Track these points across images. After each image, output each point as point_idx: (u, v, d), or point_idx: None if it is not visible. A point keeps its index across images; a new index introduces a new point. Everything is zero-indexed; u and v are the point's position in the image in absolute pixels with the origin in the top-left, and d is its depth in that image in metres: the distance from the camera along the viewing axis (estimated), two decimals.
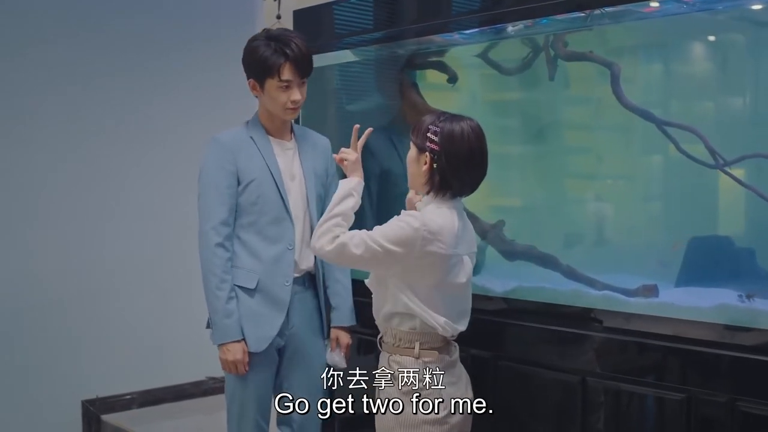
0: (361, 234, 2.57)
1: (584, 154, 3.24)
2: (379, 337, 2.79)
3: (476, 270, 3.39)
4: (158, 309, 5.25)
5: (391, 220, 2.60)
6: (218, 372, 5.37)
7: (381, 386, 2.71)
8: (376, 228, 2.57)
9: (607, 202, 3.20)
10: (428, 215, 2.60)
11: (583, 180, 3.23)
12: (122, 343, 5.13)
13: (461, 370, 2.76)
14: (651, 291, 2.88)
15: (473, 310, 2.77)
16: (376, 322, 2.79)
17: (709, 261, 2.90)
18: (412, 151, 2.70)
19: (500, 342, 3.19)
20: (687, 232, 2.95)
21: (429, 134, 2.63)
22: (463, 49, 3.49)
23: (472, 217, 3.37)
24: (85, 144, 5.01)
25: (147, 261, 5.22)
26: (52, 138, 4.90)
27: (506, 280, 3.25)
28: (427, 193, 2.69)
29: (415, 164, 2.69)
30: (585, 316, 2.97)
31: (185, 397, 5.33)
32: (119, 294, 5.13)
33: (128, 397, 5.16)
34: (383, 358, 2.75)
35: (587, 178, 3.22)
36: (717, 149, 2.78)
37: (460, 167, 2.63)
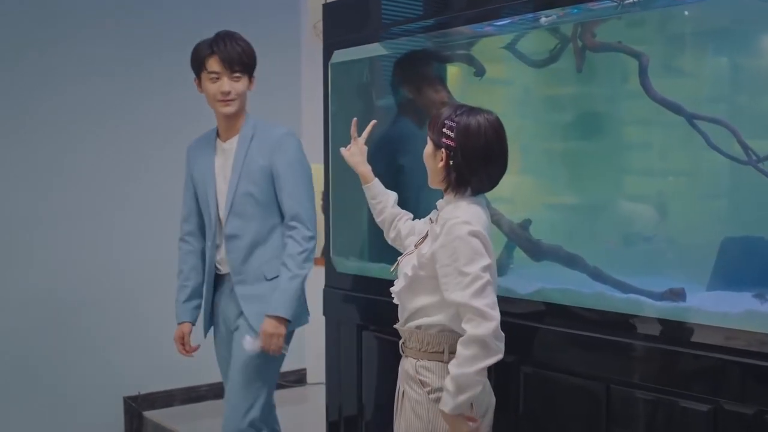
0: (463, 295, 2.43)
1: (612, 150, 3.09)
2: (401, 342, 2.69)
3: (501, 270, 3.29)
4: None
5: (444, 246, 2.48)
6: None
7: (408, 392, 2.62)
8: (453, 266, 2.45)
9: (637, 200, 3.04)
10: (467, 211, 2.52)
11: (610, 177, 3.07)
12: (166, 339, 5.13)
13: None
14: (678, 295, 2.71)
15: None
16: (398, 327, 2.70)
17: (743, 263, 2.71)
18: (429, 147, 2.61)
19: (521, 345, 3.06)
20: (719, 232, 2.78)
21: (444, 129, 2.54)
22: (491, 41, 3.36)
23: (497, 215, 3.26)
24: (117, 140, 5.04)
25: None
26: (84, 136, 4.95)
27: (530, 282, 3.11)
28: (445, 190, 2.60)
29: (432, 160, 2.60)
30: (608, 320, 2.81)
31: None
32: (163, 290, 5.13)
33: (170, 393, 5.17)
34: (408, 363, 2.65)
35: (614, 175, 3.06)
36: (749, 144, 2.61)
37: (476, 163, 2.53)
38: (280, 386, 5.20)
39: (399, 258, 2.77)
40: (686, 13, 2.83)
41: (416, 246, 2.70)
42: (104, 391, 4.98)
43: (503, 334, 2.44)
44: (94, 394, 4.94)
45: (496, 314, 2.41)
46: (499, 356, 2.43)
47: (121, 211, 5.05)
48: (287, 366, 5.43)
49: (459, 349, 2.44)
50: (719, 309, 2.57)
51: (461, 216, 2.49)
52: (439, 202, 2.68)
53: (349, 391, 3.80)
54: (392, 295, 2.71)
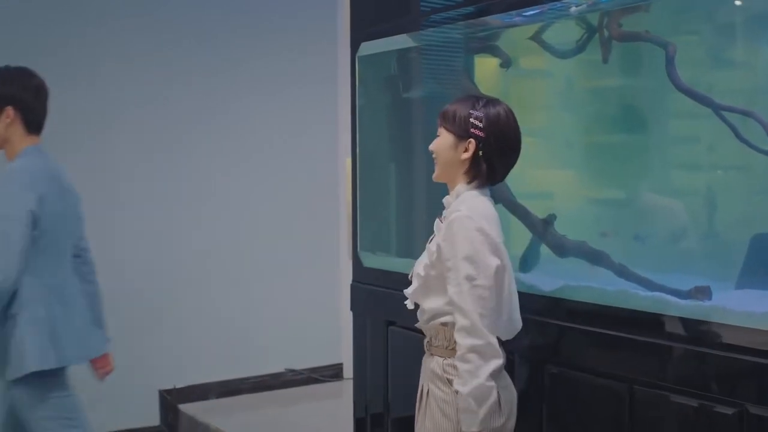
0: (456, 293, 2.43)
1: (638, 144, 2.99)
2: (426, 341, 2.64)
3: (525, 267, 3.21)
4: (239, 301, 5.27)
5: (446, 240, 2.46)
6: (297, 364, 5.40)
7: (434, 392, 2.56)
8: (453, 261, 2.44)
9: (664, 195, 2.94)
10: (471, 205, 2.49)
11: (636, 171, 2.97)
12: (203, 334, 5.17)
13: (506, 373, 2.58)
14: (703, 293, 2.61)
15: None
16: (421, 326, 2.65)
17: None
18: (448, 139, 2.55)
19: (545, 344, 2.99)
20: (751, 227, 2.67)
21: (473, 120, 2.51)
22: (518, 32, 3.28)
23: (522, 209, 3.18)
24: (173, 137, 5.07)
25: (228, 253, 5.24)
26: (140, 131, 4.98)
27: (554, 278, 3.03)
28: (470, 182, 2.56)
29: (453, 152, 2.55)
30: (630, 319, 2.73)
31: (263, 389, 5.33)
32: (200, 285, 5.17)
33: (205, 387, 5.18)
34: (434, 362, 2.58)
35: (640, 169, 2.97)
36: None
37: (506, 152, 2.55)
38: (316, 381, 5.20)
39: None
40: None
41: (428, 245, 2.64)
42: (140, 384, 5.00)
43: (495, 340, 2.41)
44: (130, 386, 4.95)
45: (484, 326, 2.37)
46: (500, 360, 2.42)
47: (158, 204, 5.06)
48: (324, 361, 5.44)
49: (459, 365, 2.40)
50: (745, 308, 2.47)
51: (463, 210, 2.46)
52: (446, 199, 2.62)
53: (375, 387, 3.75)
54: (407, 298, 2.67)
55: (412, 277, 2.66)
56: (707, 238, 2.84)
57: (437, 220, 2.61)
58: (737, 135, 2.60)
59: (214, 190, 5.21)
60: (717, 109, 2.65)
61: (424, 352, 2.67)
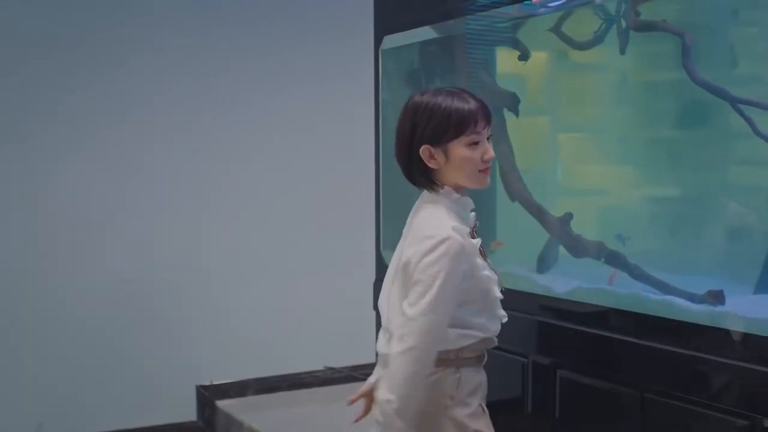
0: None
1: (655, 139, 2.85)
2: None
3: (543, 268, 3.10)
4: (278, 298, 5.24)
5: None
6: (336, 362, 5.34)
7: None
8: None
9: (683, 194, 2.78)
10: None
11: (653, 169, 2.83)
12: (242, 330, 5.16)
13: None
14: (716, 297, 2.46)
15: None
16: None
17: None
18: None
19: (557, 347, 2.87)
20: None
21: None
22: (537, 22, 3.16)
23: (538, 208, 3.07)
24: (201, 132, 5.07)
25: (268, 249, 5.22)
26: (165, 127, 4.98)
27: (569, 280, 2.91)
28: None
29: None
30: (641, 323, 2.59)
31: (301, 387, 5.29)
32: (240, 282, 5.16)
33: (243, 383, 5.17)
34: None
35: (656, 167, 2.82)
36: None
37: None
38: (355, 379, 5.13)
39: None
40: None
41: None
42: (178, 379, 5.02)
43: None
44: (168, 381, 4.98)
45: None
46: None
47: (206, 199, 5.07)
48: (364, 359, 5.35)
49: None
50: (758, 315, 2.31)
51: None
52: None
53: None
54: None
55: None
56: (731, 239, 2.68)
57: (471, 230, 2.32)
58: (754, 129, 2.45)
59: (249, 186, 5.19)
60: (734, 102, 2.50)
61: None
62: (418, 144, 2.23)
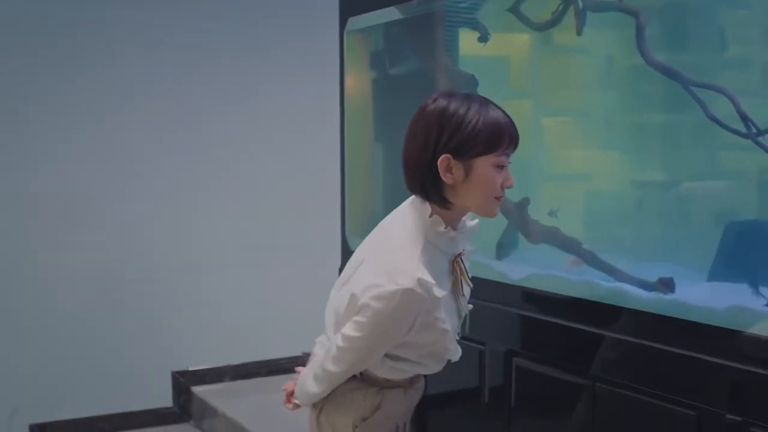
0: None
1: (605, 121, 2.78)
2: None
3: (502, 254, 3.04)
4: (254, 285, 5.20)
5: None
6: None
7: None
8: None
9: (639, 177, 2.72)
10: None
11: (608, 151, 2.76)
12: (219, 316, 5.12)
13: None
14: (667, 285, 2.40)
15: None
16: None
17: (746, 251, 2.37)
18: None
19: (511, 335, 2.82)
20: (724, 215, 2.45)
21: None
22: (496, 2, 3.09)
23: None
24: (182, 124, 5.02)
25: (245, 238, 5.17)
26: (148, 118, 4.93)
27: (525, 266, 2.86)
28: None
29: None
30: (589, 310, 2.54)
31: (279, 372, 5.24)
32: (217, 269, 5.12)
33: (220, 370, 5.14)
34: None
35: (606, 150, 2.76)
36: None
37: None
38: None
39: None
40: None
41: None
42: (154, 366, 4.99)
43: None
44: (145, 367, 4.95)
45: None
46: None
47: (180, 192, 5.02)
48: None
49: None
50: (706, 303, 2.26)
51: None
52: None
53: None
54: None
55: None
56: (689, 226, 2.63)
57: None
58: (706, 112, 2.38)
59: (227, 176, 5.14)
60: (687, 84, 2.43)
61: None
62: (439, 152, 1.95)
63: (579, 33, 2.76)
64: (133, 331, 4.93)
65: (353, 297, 2.00)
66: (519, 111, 3.03)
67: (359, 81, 3.64)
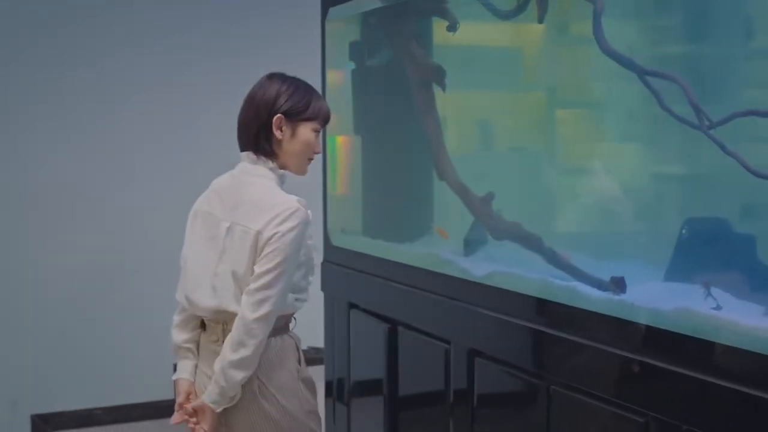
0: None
1: (557, 113, 2.68)
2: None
3: (468, 251, 2.97)
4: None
5: None
6: None
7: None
8: None
9: (598, 171, 2.60)
10: None
11: (571, 145, 2.66)
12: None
13: None
14: (617, 285, 2.30)
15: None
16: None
17: (702, 249, 2.26)
18: None
19: (474, 334, 2.75)
20: (684, 211, 2.34)
21: None
22: None
23: (462, 187, 2.93)
24: (171, 115, 5.01)
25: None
26: (137, 112, 4.94)
27: (488, 263, 2.77)
28: None
29: None
30: (543, 309, 2.45)
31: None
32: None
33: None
34: None
35: (562, 143, 2.66)
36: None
37: None
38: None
39: None
40: None
41: None
42: (154, 357, 4.87)
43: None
44: (144, 359, 4.90)
45: None
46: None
47: (171, 182, 4.98)
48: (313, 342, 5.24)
49: None
50: (653, 305, 2.15)
51: None
52: None
53: (340, 369, 3.59)
54: None
55: None
56: (654, 221, 2.51)
57: None
58: (660, 103, 2.27)
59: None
60: (641, 73, 2.31)
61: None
62: (275, 111, 2.34)
63: (540, 21, 2.66)
64: (133, 323, 4.94)
65: (258, 234, 2.28)
66: (486, 101, 2.96)
67: (341, 72, 3.58)
